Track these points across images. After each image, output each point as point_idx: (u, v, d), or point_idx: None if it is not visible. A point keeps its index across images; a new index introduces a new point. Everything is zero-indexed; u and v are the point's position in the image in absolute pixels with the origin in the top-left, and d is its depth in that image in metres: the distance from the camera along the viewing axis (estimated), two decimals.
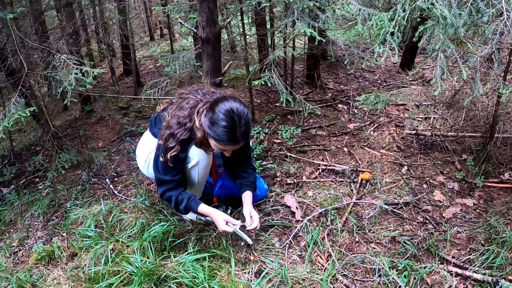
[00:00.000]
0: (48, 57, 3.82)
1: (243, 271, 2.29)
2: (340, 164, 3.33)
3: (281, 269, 2.22)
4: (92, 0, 5.71)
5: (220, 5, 3.93)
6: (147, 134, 2.67)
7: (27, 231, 3.15)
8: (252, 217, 2.39)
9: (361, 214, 2.75)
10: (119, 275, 2.28)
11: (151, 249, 2.39)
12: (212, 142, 2.22)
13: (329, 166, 3.30)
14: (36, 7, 5.06)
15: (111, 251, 2.50)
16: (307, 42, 4.50)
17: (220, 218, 2.33)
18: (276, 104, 4.61)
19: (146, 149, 2.63)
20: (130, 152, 4.03)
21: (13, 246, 3.00)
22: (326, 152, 3.55)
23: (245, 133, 2.15)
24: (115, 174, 3.74)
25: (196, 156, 2.36)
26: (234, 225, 2.33)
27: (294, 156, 3.51)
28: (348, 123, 4.08)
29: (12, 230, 3.25)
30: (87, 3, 6.48)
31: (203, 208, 2.39)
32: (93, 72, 3.03)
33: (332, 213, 2.71)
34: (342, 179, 3.13)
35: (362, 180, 3.07)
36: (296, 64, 5.45)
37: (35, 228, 3.18)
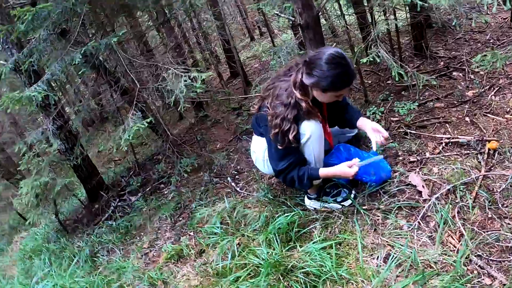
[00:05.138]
0: (156, 71, 4.10)
1: (371, 257, 2.21)
2: (464, 135, 3.05)
3: (411, 252, 2.11)
4: (187, 13, 5.95)
5: None
6: (256, 138, 2.74)
7: (156, 233, 3.40)
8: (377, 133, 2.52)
9: (492, 187, 2.49)
10: (246, 268, 2.35)
11: (277, 241, 2.42)
12: (328, 95, 2.28)
13: (452, 138, 3.04)
14: (137, 30, 5.48)
15: (237, 246, 2.58)
16: (408, 11, 4.23)
17: (344, 166, 2.36)
18: (388, 81, 4.41)
19: (260, 150, 2.69)
20: (248, 149, 4.11)
21: (144, 247, 3.26)
22: (447, 124, 3.28)
23: (353, 68, 2.23)
24: (235, 172, 3.85)
25: (308, 129, 2.34)
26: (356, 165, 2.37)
27: (414, 132, 3.29)
28: (466, 91, 3.73)
29: (142, 234, 3.53)
30: (184, 18, 6.79)
31: (323, 170, 2.41)
32: (201, 77, 3.15)
33: (461, 189, 2.49)
34: (468, 151, 2.87)
35: (489, 150, 2.78)
36: (401, 38, 5.16)
37: (164, 230, 3.42)
